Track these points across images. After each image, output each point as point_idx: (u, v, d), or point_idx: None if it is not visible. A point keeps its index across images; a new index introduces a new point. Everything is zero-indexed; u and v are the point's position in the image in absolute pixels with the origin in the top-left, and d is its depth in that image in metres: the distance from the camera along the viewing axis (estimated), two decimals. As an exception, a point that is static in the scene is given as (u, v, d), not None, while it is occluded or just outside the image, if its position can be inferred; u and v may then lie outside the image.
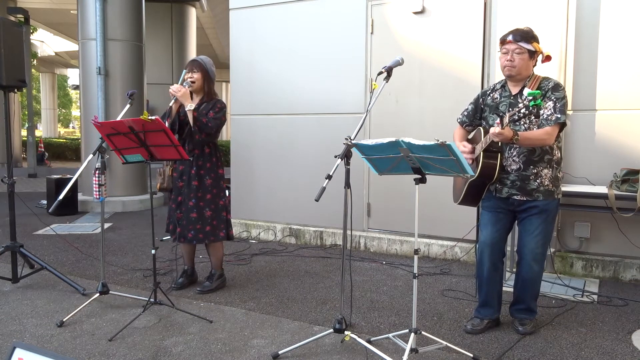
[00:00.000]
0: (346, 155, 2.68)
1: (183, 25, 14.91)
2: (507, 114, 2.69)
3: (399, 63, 2.98)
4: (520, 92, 3.00)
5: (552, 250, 4.38)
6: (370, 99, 2.88)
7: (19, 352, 1.35)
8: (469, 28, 4.68)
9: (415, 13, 4.90)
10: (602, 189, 3.94)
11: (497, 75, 4.48)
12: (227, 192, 4.02)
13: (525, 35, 2.92)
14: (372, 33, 5.14)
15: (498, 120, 2.77)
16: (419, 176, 2.61)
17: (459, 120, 3.31)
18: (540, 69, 4.45)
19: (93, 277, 4.23)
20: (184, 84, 3.72)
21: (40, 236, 5.88)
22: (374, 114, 5.12)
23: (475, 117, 3.22)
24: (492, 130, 2.75)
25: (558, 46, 4.32)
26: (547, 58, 2.98)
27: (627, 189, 3.81)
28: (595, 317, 3.41)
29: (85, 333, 3.10)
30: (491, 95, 3.14)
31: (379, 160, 2.69)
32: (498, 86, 3.15)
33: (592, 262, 4.33)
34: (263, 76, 5.73)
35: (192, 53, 14.95)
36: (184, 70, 3.82)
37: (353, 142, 2.66)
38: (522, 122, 2.93)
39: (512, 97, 3.03)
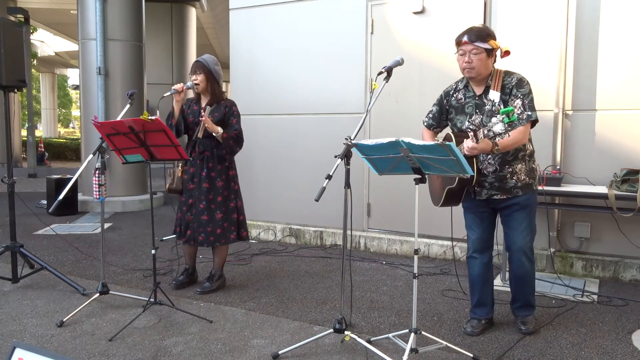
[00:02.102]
0: (346, 155, 2.68)
1: (183, 25, 14.91)
2: (482, 130, 2.60)
3: (399, 63, 2.97)
4: (485, 92, 2.94)
5: (552, 250, 4.38)
6: (370, 99, 2.87)
7: (19, 352, 1.35)
8: (469, 28, 4.67)
9: (415, 13, 4.90)
10: (602, 189, 3.93)
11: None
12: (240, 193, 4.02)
13: (481, 34, 2.86)
14: (372, 33, 5.14)
15: (472, 135, 2.69)
16: (419, 176, 2.61)
17: (425, 124, 3.23)
18: (540, 68, 4.46)
19: (93, 277, 4.23)
20: (188, 84, 3.72)
21: (40, 236, 5.88)
22: (374, 114, 5.12)
23: (442, 119, 3.17)
24: (466, 144, 2.71)
25: (558, 46, 4.32)
26: (506, 53, 2.91)
27: (627, 189, 3.80)
28: (595, 317, 3.41)
29: (85, 333, 3.10)
30: (455, 95, 3.07)
31: (379, 160, 2.69)
32: (460, 86, 3.07)
33: (592, 262, 4.33)
34: (263, 76, 5.73)
35: (192, 53, 14.95)
36: (190, 75, 3.81)
37: (353, 142, 2.66)
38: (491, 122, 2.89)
39: (477, 98, 2.98)
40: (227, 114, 3.77)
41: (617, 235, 4.19)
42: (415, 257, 2.70)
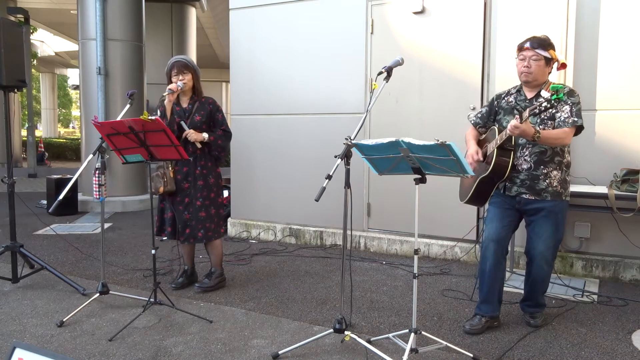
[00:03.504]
0: (346, 155, 2.68)
1: (183, 25, 14.89)
2: (527, 110, 2.73)
3: (399, 63, 2.98)
4: (536, 96, 3.05)
5: (552, 250, 4.38)
6: (370, 99, 2.88)
7: (19, 352, 1.35)
8: (469, 28, 4.68)
9: (415, 13, 4.90)
10: (602, 189, 3.93)
11: (497, 76, 4.48)
12: (224, 190, 4.12)
13: (543, 43, 2.99)
14: (372, 33, 5.14)
15: (517, 115, 2.81)
16: (419, 176, 2.61)
17: (472, 122, 3.37)
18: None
19: (93, 277, 4.23)
20: (179, 84, 3.71)
21: (40, 236, 5.88)
22: (374, 113, 5.12)
23: (489, 120, 3.29)
24: (511, 122, 2.78)
25: (558, 46, 4.31)
26: (563, 66, 3.06)
27: (627, 189, 3.81)
28: (595, 317, 3.41)
29: (85, 333, 3.10)
30: (506, 99, 3.21)
31: (379, 160, 2.70)
32: (513, 90, 3.21)
33: (592, 262, 4.33)
34: (263, 76, 5.73)
35: (192, 53, 14.93)
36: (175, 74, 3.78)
37: (353, 142, 2.66)
38: (537, 123, 2.97)
39: (527, 101, 3.08)
40: (213, 110, 3.87)
41: (617, 235, 4.19)
42: (415, 257, 2.70)
